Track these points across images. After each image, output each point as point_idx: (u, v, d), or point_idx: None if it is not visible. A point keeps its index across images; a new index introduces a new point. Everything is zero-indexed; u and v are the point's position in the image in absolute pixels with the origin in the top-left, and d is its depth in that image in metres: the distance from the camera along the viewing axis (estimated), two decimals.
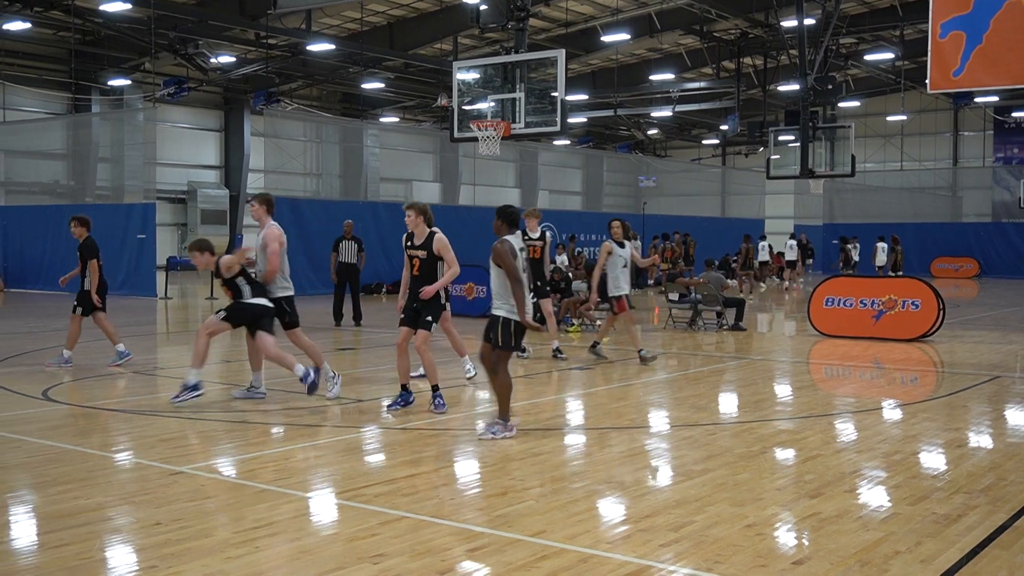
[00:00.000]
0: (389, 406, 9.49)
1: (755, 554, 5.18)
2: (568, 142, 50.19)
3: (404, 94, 44.00)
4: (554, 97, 17.06)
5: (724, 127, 43.50)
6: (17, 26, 30.34)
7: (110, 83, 37.48)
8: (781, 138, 31.16)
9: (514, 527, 5.58)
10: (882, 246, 32.10)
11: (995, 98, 42.24)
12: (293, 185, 40.61)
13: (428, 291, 9.19)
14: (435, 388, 9.33)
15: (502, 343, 8.07)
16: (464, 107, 18.13)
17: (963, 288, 32.69)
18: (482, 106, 17.89)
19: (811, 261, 36.01)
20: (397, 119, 48.24)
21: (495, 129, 17.15)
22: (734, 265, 28.33)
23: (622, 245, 13.00)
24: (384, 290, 27.16)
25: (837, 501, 6.24)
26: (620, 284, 12.95)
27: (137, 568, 4.95)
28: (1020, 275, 38.55)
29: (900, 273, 31.34)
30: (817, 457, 7.53)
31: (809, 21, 27.64)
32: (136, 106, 37.85)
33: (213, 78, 38.74)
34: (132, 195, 33.05)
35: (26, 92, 35.83)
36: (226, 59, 37.24)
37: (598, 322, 16.43)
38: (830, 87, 27.30)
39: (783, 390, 11.40)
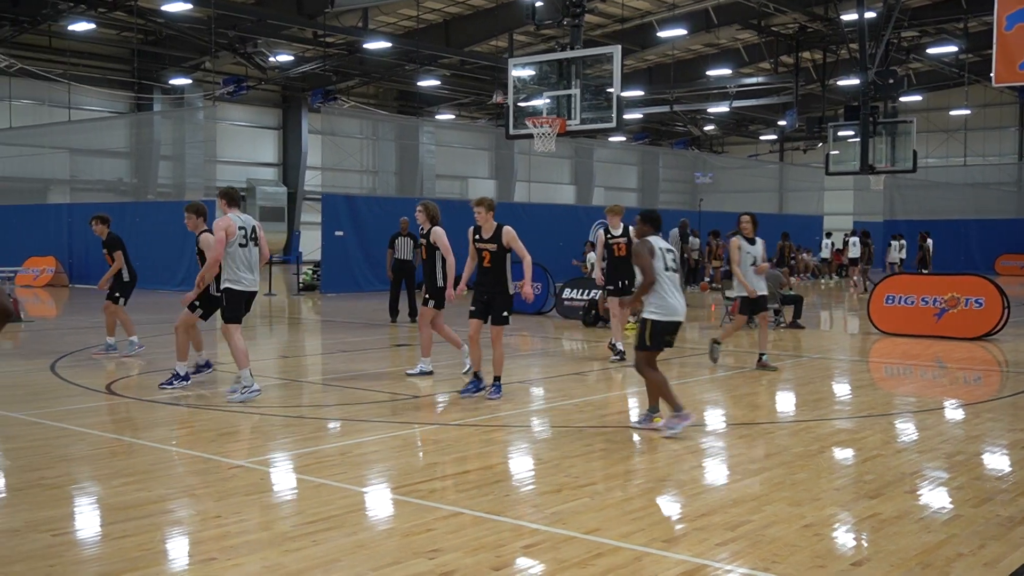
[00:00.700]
0: (462, 392, 9.86)
1: (813, 555, 5.11)
2: (624, 138, 49.97)
3: (460, 91, 44.18)
4: (610, 93, 17.00)
5: (782, 123, 43.07)
6: (82, 27, 31.01)
7: (171, 82, 38.15)
8: (840, 133, 30.69)
9: (569, 524, 5.57)
10: (899, 243, 31.73)
11: None
12: (349, 182, 41.02)
13: (527, 292, 9.90)
14: (497, 378, 9.79)
15: (648, 343, 8.16)
16: (519, 104, 18.13)
17: None
18: (537, 103, 17.89)
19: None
20: (453, 116, 48.45)
21: (550, 126, 17.12)
22: (793, 262, 27.98)
23: (752, 242, 12.08)
24: None
25: (897, 502, 6.13)
26: (748, 282, 11.98)
27: (197, 560, 5.02)
28: None
29: (927, 270, 30.89)
30: (877, 457, 7.42)
31: (870, 14, 27.22)
32: (196, 105, 38.51)
33: (271, 76, 39.25)
34: (192, 192, 33.62)
35: (91, 92, 36.56)
36: (284, 58, 37.69)
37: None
38: (891, 81, 26.88)
39: (842, 389, 11.24)
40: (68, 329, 16.74)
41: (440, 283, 10.79)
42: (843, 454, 7.63)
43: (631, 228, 12.46)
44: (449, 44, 37.11)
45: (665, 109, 41.35)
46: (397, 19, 36.77)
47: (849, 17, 29.42)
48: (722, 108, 42.56)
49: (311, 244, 34.63)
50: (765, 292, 12.23)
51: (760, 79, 40.42)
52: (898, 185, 41.06)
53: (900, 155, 28.07)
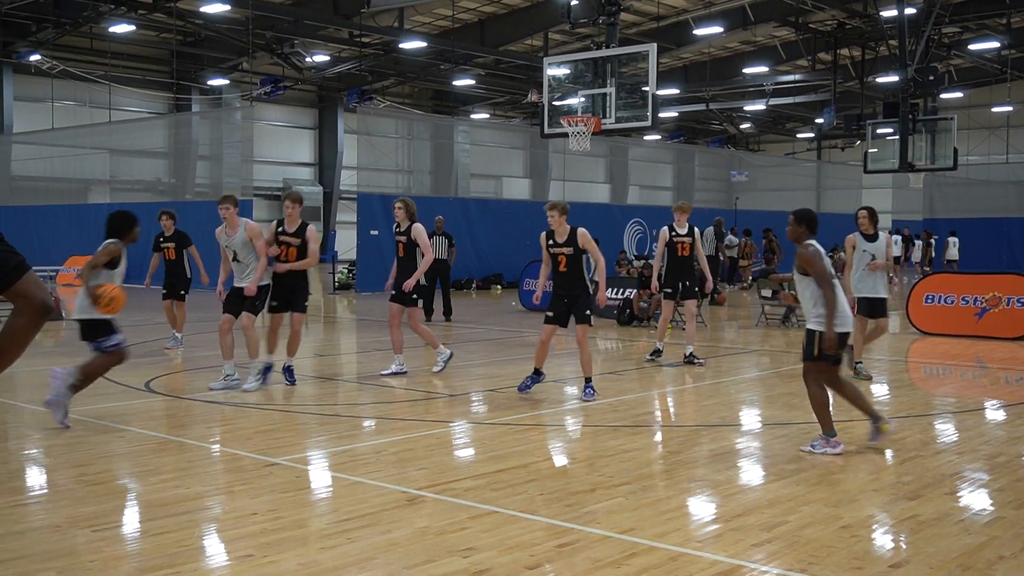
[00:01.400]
0: (520, 388, 9.94)
1: (850, 556, 5.06)
2: (659, 137, 49.77)
3: (494, 91, 44.21)
4: (645, 92, 16.91)
5: (820, 120, 42.65)
6: (122, 29, 31.39)
7: (209, 83, 38.52)
8: (879, 131, 30.38)
9: (603, 524, 5.56)
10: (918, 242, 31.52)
11: None
12: (385, 182, 41.16)
13: (602, 298, 9.92)
14: (588, 379, 9.82)
15: (815, 355, 7.40)
16: (554, 103, 18.10)
17: None
18: (572, 102, 17.84)
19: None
20: (487, 116, 48.50)
21: (585, 125, 17.07)
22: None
23: (870, 238, 10.93)
24: (474, 286, 27.32)
25: (937, 503, 6.05)
26: (864, 283, 10.96)
27: (234, 556, 5.07)
28: None
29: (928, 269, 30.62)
30: (916, 458, 7.33)
31: (910, 10, 26.89)
32: (234, 105, 38.83)
33: (308, 77, 39.51)
34: (230, 192, 33.86)
35: (130, 92, 36.99)
36: (320, 58, 37.92)
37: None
38: (931, 78, 26.54)
39: (880, 389, 11.11)
40: None
41: (424, 281, 11.05)
42: (881, 455, 7.55)
43: (696, 228, 12.43)
44: (484, 43, 37.14)
45: (701, 107, 41.08)
46: (432, 19, 36.87)
47: (889, 13, 29.06)
48: (759, 106, 42.19)
49: (347, 243, 34.81)
50: (885, 295, 11.05)
51: (797, 76, 40.04)
52: (938, 183, 40.52)
53: (940, 152, 27.76)
